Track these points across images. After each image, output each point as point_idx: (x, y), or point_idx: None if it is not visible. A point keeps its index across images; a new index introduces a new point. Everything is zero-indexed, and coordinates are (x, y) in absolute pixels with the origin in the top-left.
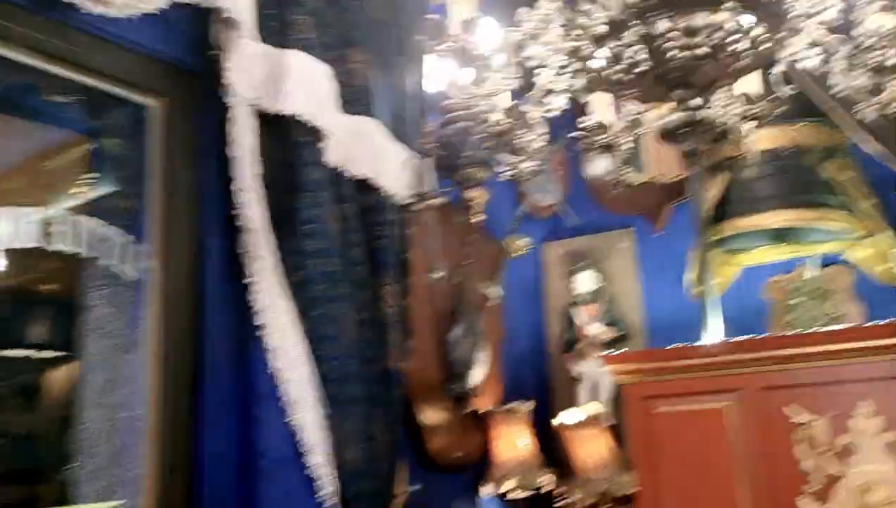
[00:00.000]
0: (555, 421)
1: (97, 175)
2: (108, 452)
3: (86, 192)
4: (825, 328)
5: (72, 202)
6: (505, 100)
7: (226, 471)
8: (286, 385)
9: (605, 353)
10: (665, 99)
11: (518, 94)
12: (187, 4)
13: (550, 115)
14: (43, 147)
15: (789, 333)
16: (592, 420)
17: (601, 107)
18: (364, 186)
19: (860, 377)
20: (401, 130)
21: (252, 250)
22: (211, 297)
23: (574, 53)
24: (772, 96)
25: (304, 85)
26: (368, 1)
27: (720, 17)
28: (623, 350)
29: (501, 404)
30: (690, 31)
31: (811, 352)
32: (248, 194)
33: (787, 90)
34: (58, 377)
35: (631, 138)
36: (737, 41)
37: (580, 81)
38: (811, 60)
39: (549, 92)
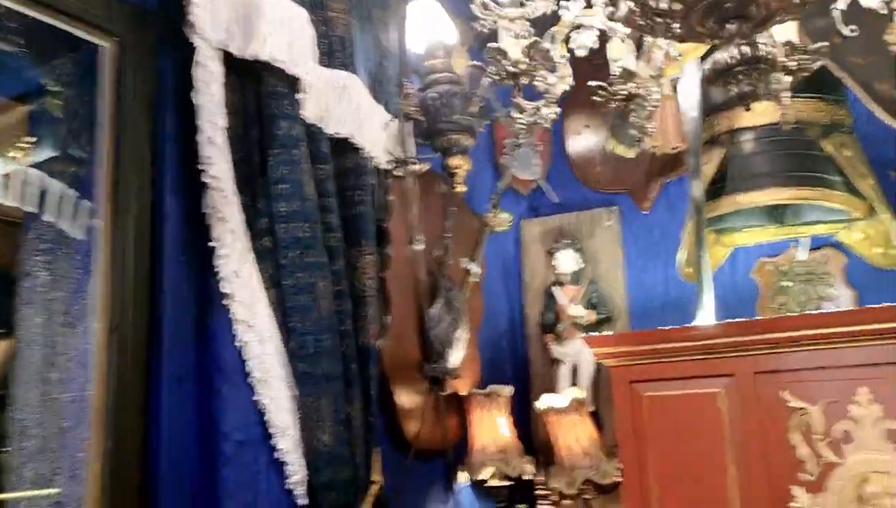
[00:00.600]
0: (538, 405)
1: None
2: (47, 435)
3: (28, 148)
4: (821, 311)
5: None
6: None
7: (183, 456)
8: (253, 361)
9: (591, 335)
10: (713, 35)
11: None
12: None
13: (578, 53)
14: None
15: (785, 316)
16: (576, 405)
17: (624, 53)
18: (342, 147)
19: (857, 363)
20: (380, 90)
21: (217, 211)
22: (169, 262)
23: None
24: (815, 46)
25: (280, 28)
26: None
27: None
28: (608, 333)
29: (479, 386)
30: None
31: (807, 336)
32: (213, 149)
33: (847, 31)
34: None
35: (657, 91)
36: None
37: (617, 13)
38: None
39: (578, 27)
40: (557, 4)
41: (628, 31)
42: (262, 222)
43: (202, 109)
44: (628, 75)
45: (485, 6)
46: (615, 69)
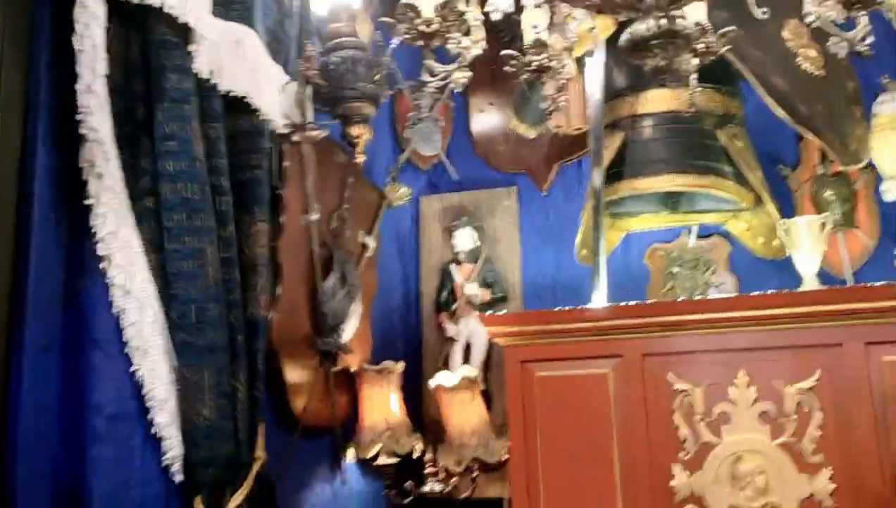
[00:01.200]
0: (431, 383)
1: None
2: None
3: None
4: (707, 297)
5: None
6: None
7: (47, 432)
8: (130, 329)
9: (486, 314)
10: (631, 7)
11: None
12: None
13: (494, 17)
14: None
15: (673, 300)
16: (467, 384)
17: (541, 19)
18: (236, 107)
19: (738, 347)
20: (278, 50)
21: (94, 167)
22: (37, 220)
23: None
24: (724, 30)
25: None
26: None
27: None
28: (502, 312)
29: (370, 362)
30: None
31: (693, 320)
32: (92, 98)
33: (759, 13)
34: None
35: (570, 64)
36: None
37: None
38: None
39: None
40: None
41: None
42: (145, 181)
43: (82, 55)
44: (541, 46)
45: None
46: (529, 38)
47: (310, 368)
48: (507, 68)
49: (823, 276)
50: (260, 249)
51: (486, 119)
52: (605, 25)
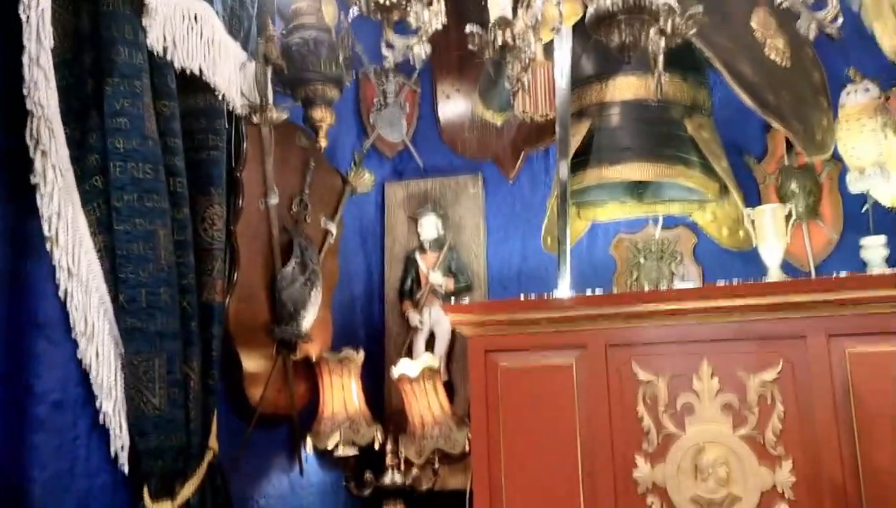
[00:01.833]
0: (393, 372)
1: None
2: None
3: None
4: (671, 288)
5: None
6: None
7: None
8: (76, 313)
9: (450, 303)
10: None
11: None
12: None
13: None
14: None
15: (637, 290)
16: (429, 374)
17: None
18: (193, 85)
19: (701, 338)
20: (238, 29)
21: (39, 144)
22: None
23: None
24: (691, 11)
25: None
26: None
27: None
28: (466, 301)
29: (331, 351)
30: None
31: (657, 310)
32: (39, 72)
33: None
34: None
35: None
36: None
37: None
38: None
39: None
40: None
41: None
42: (94, 159)
43: (27, 26)
44: (505, 24)
45: None
46: (494, 15)
47: (267, 356)
48: (470, 46)
49: (788, 268)
50: (216, 232)
51: (453, 105)
52: (572, 10)
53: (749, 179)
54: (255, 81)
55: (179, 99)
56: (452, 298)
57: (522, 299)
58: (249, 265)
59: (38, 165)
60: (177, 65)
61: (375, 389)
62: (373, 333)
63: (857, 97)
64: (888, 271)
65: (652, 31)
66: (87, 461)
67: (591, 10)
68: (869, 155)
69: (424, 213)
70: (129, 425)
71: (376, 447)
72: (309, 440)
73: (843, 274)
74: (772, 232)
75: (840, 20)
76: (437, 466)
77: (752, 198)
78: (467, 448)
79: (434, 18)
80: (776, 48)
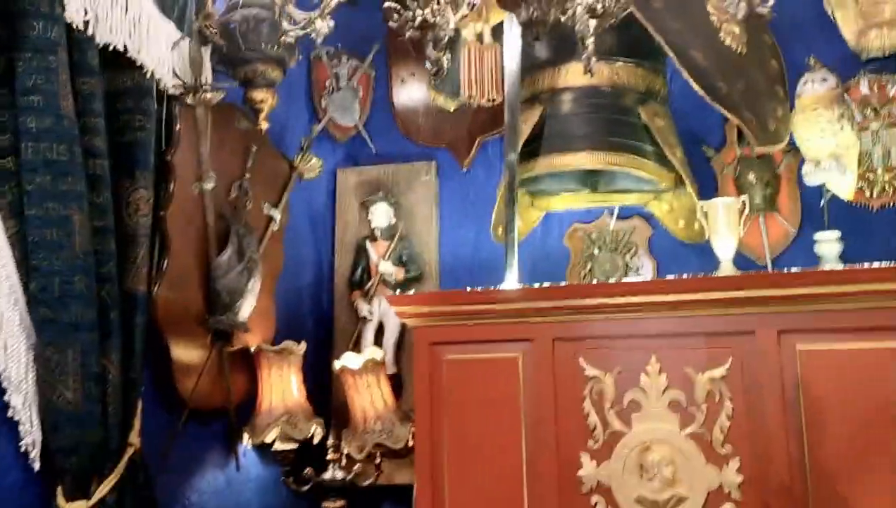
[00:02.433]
0: (335, 365)
1: None
2: None
3: None
4: (618, 281)
5: None
6: None
7: None
8: None
9: (394, 294)
10: None
11: None
12: None
13: None
14: None
15: (582, 283)
16: (371, 366)
17: None
18: (120, 63)
19: (650, 333)
20: (171, 5)
21: None
22: None
23: None
24: None
25: None
26: None
27: None
28: (411, 291)
29: (274, 342)
30: None
31: (605, 304)
32: None
33: None
34: None
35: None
36: None
37: None
38: None
39: None
40: None
41: None
42: (4, 140)
43: None
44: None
45: None
46: None
47: (201, 347)
48: (390, 23)
49: (744, 261)
50: (141, 218)
51: (407, 90)
52: None
53: (707, 169)
54: (190, 60)
55: (105, 78)
56: (402, 288)
57: (469, 290)
58: (181, 253)
59: None
60: (99, 40)
61: (322, 382)
62: (321, 324)
63: (815, 87)
64: (841, 266)
65: (580, 9)
66: None
67: None
68: (824, 147)
69: (376, 200)
70: (40, 420)
71: (315, 442)
72: (245, 435)
73: (794, 269)
74: (724, 225)
75: (771, 0)
76: (379, 461)
77: (710, 189)
78: (411, 444)
79: None
80: (732, 33)
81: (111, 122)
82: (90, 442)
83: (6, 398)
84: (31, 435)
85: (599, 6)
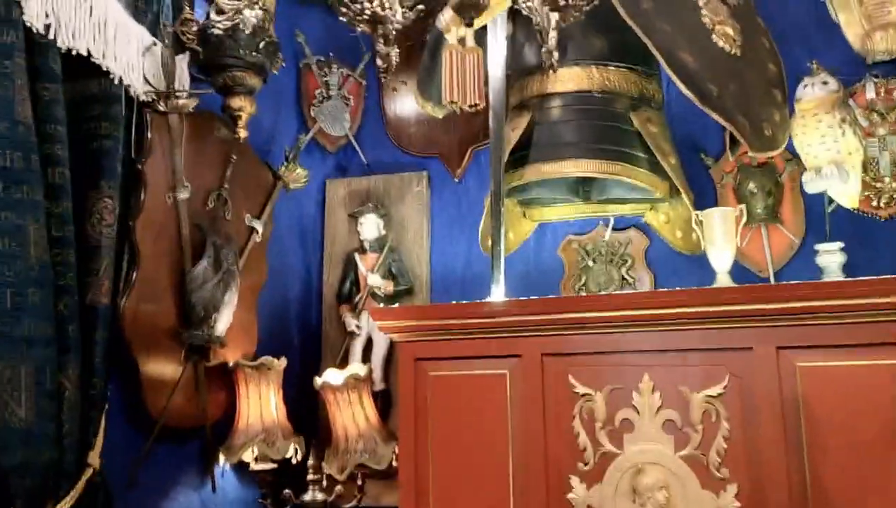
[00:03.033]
0: (317, 381)
1: None
2: None
3: None
4: (610, 293)
5: None
6: None
7: None
8: None
9: (378, 307)
10: None
11: None
12: None
13: None
14: None
15: (575, 296)
16: (353, 383)
17: None
18: (86, 69)
19: (644, 348)
20: (144, 10)
21: None
22: None
23: None
24: None
25: None
26: None
27: None
28: (396, 305)
29: (256, 358)
30: None
31: (597, 318)
32: None
33: None
34: None
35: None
36: None
37: None
38: None
39: None
40: None
41: None
42: None
43: None
44: None
45: None
46: None
47: (173, 362)
48: (341, 18)
49: (745, 274)
50: (105, 228)
51: (399, 99)
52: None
53: (706, 179)
54: (162, 65)
55: (70, 84)
56: (392, 302)
57: (454, 304)
58: (152, 264)
59: None
60: (61, 45)
61: (309, 400)
62: (308, 338)
63: (815, 91)
64: (844, 278)
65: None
66: None
67: None
68: (825, 153)
69: (365, 211)
70: None
71: (294, 462)
72: (221, 455)
73: (794, 282)
74: (721, 235)
75: None
76: (361, 483)
77: (709, 199)
78: (395, 464)
79: None
80: (725, 35)
81: (76, 129)
82: (44, 462)
83: None
84: None
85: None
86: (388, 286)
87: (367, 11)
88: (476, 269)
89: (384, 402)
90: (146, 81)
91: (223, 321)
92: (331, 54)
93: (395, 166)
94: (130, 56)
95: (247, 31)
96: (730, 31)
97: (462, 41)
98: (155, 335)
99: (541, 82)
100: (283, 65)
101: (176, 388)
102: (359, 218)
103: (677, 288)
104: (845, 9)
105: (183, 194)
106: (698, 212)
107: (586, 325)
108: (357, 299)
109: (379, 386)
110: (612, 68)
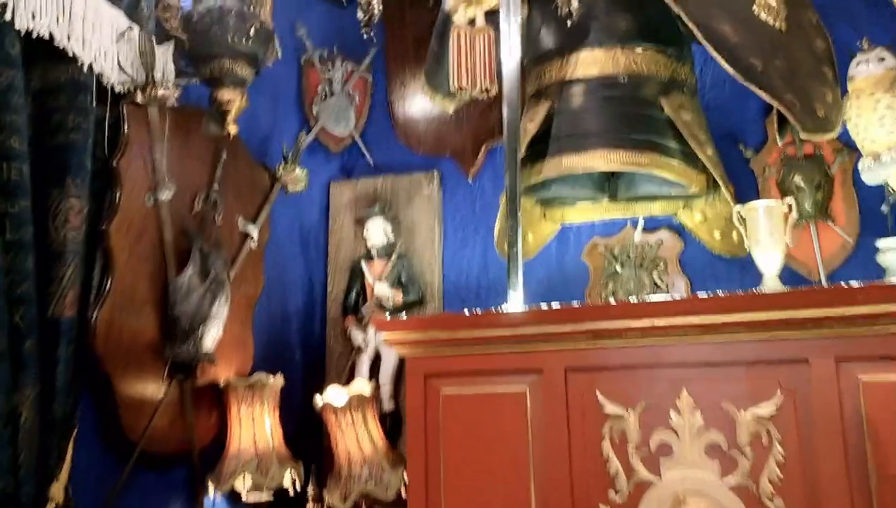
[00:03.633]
0: (317, 400)
1: None
2: None
3: None
4: (642, 300)
5: None
6: None
7: None
8: None
9: (382, 318)
10: None
11: None
12: None
13: None
14: None
15: (602, 303)
16: (358, 402)
17: None
18: (52, 56)
19: (679, 362)
20: None
21: None
22: None
23: None
24: None
25: None
26: None
27: None
28: (402, 316)
29: (248, 375)
30: None
31: (626, 327)
32: None
33: None
34: None
35: None
36: None
37: None
38: None
39: None
40: None
41: None
42: None
43: None
44: None
45: None
46: None
47: (154, 381)
48: None
49: (793, 277)
50: (71, 231)
51: (408, 95)
52: None
53: (746, 172)
54: (141, 54)
55: (35, 71)
56: (401, 313)
57: (467, 313)
58: (129, 272)
59: None
60: (19, 26)
61: (311, 422)
62: (311, 354)
63: (870, 68)
64: None
65: None
66: None
67: None
68: (885, 137)
69: (371, 215)
70: None
71: (292, 491)
72: (210, 483)
73: (854, 284)
74: (767, 233)
75: None
76: None
77: (750, 195)
78: (404, 493)
79: None
80: (767, 6)
81: (41, 121)
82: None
83: None
84: None
85: None
86: (397, 296)
87: None
88: (492, 276)
89: (393, 424)
90: (121, 69)
91: (211, 336)
92: (335, 49)
93: (404, 167)
94: (102, 41)
95: (233, 16)
96: (772, 2)
97: (472, 22)
98: (133, 350)
99: (560, 68)
100: (279, 56)
101: (158, 409)
102: (365, 223)
103: (719, 293)
104: None
105: (165, 195)
106: (740, 207)
107: (615, 335)
108: (363, 310)
109: (387, 406)
110: (640, 50)
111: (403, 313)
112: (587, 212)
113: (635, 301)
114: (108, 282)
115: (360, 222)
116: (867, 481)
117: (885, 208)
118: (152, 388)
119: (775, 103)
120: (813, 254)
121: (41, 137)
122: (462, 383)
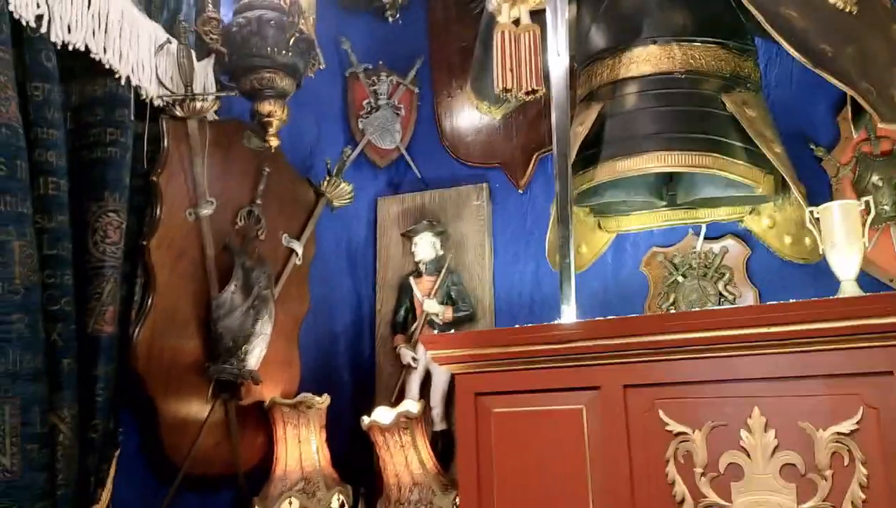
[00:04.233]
0: (364, 420)
1: None
2: None
3: None
4: (707, 310)
5: None
6: None
7: None
8: None
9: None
10: None
11: None
12: None
13: None
14: None
15: (665, 314)
16: (406, 422)
17: None
18: (91, 69)
19: (749, 376)
20: (159, 4)
21: None
22: None
23: None
24: None
25: None
26: None
27: None
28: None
29: (294, 395)
30: None
31: (689, 340)
32: None
33: None
34: None
35: None
36: None
37: None
38: None
39: None
40: None
41: None
42: None
43: None
44: None
45: None
46: None
47: (198, 401)
48: None
49: (870, 284)
50: (109, 246)
51: (454, 107)
52: None
53: (818, 173)
54: (181, 66)
55: (74, 86)
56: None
57: (519, 328)
58: (171, 289)
59: None
60: (55, 39)
61: (360, 443)
62: (360, 374)
63: None
64: None
65: None
66: None
67: None
68: None
69: (419, 230)
70: None
71: None
72: (256, 507)
73: None
74: (843, 234)
75: None
76: None
77: (823, 197)
78: None
79: None
80: None
81: (80, 136)
82: None
83: None
84: None
85: None
86: (447, 313)
87: None
88: (545, 290)
89: (445, 444)
90: (160, 83)
91: (255, 354)
92: (379, 62)
93: (452, 180)
94: (140, 54)
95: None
96: None
97: (516, 22)
98: (175, 369)
99: (611, 68)
100: (322, 65)
101: (202, 430)
102: (413, 238)
103: (791, 301)
104: None
105: (206, 210)
106: (813, 208)
107: (679, 349)
108: (413, 328)
109: (439, 426)
110: (699, 45)
111: (453, 330)
112: (644, 220)
113: (701, 311)
114: (150, 299)
115: (408, 237)
116: None
117: None
118: (196, 408)
119: (849, 91)
120: (892, 258)
121: (79, 151)
122: (515, 401)
